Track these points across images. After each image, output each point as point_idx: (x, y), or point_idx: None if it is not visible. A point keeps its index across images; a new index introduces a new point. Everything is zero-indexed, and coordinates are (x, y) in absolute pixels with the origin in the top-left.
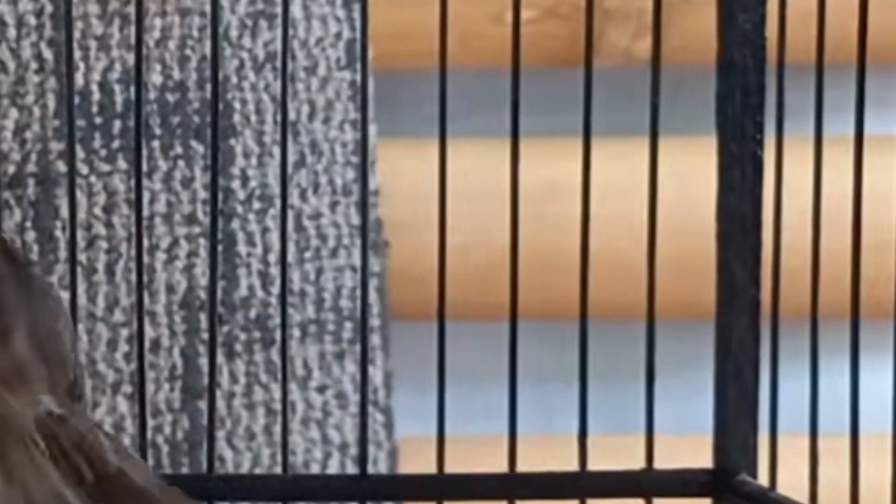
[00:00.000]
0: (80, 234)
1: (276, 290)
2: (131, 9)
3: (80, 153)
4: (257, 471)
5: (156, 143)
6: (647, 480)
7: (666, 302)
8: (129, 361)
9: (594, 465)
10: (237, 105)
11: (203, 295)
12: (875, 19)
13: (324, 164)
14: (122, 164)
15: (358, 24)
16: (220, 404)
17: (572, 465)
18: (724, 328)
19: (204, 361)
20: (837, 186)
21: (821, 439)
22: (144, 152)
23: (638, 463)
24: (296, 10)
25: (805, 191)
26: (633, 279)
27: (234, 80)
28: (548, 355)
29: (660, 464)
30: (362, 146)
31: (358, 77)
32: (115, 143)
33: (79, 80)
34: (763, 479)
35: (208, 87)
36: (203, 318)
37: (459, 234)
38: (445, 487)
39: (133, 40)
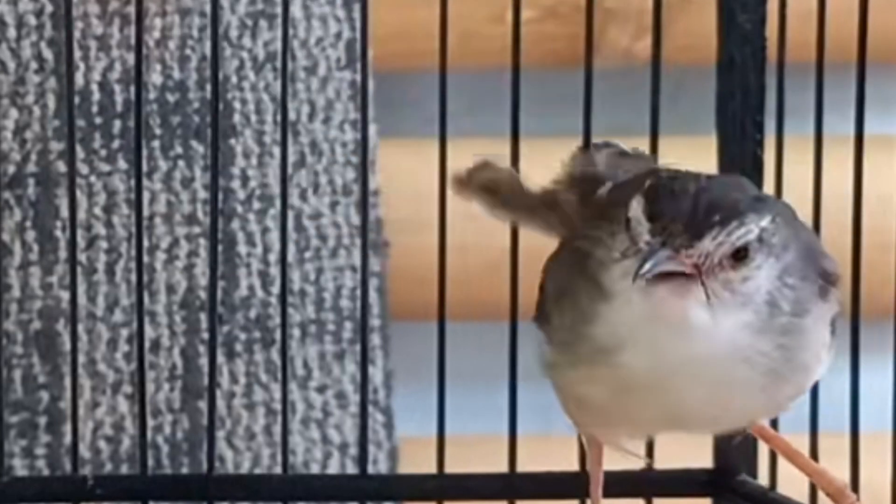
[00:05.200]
0: (80, 234)
1: (276, 290)
2: (131, 9)
3: (80, 153)
4: (257, 471)
5: (156, 143)
6: (647, 480)
7: None
8: (129, 361)
9: None
10: (237, 105)
11: (203, 295)
12: (875, 19)
13: (324, 164)
14: (122, 164)
15: (358, 24)
16: (220, 404)
17: (572, 466)
18: None
19: (204, 361)
20: (837, 186)
21: (821, 439)
22: (144, 152)
23: (638, 463)
24: (296, 10)
25: (805, 191)
26: None
27: (234, 80)
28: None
29: (660, 464)
30: (362, 146)
31: (358, 77)
32: (115, 143)
33: (79, 80)
34: (763, 479)
35: (208, 87)
36: (203, 318)
37: (459, 234)
38: (445, 487)
39: (133, 40)
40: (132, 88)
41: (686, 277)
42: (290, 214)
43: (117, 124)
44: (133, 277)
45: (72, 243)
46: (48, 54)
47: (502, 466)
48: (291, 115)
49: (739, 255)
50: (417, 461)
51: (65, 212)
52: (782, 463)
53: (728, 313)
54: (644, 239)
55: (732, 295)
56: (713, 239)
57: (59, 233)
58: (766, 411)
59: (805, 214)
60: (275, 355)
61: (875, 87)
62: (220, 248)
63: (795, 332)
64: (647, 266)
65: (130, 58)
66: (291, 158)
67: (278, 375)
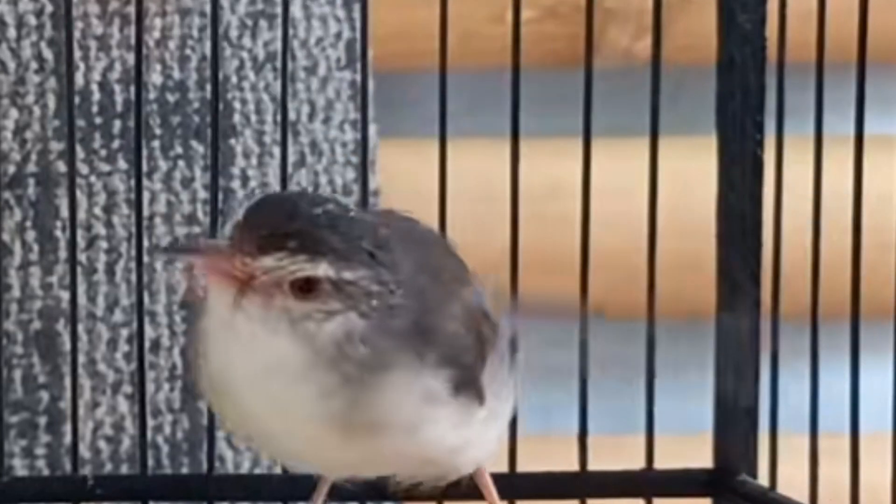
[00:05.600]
0: (80, 234)
1: None
2: (131, 9)
3: (80, 153)
4: (257, 471)
5: (156, 143)
6: (647, 480)
7: (666, 302)
8: (129, 361)
9: (594, 465)
10: (237, 105)
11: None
12: (875, 19)
13: (324, 164)
14: (122, 164)
15: (358, 24)
16: None
17: (572, 465)
18: (724, 328)
19: None
20: (837, 186)
21: (821, 439)
22: (144, 152)
23: (638, 463)
24: (296, 10)
25: (805, 191)
26: (633, 279)
27: (234, 80)
28: (547, 355)
29: (660, 464)
30: (362, 146)
31: (358, 77)
32: (115, 143)
33: (79, 80)
34: (763, 479)
35: (208, 87)
36: None
37: (459, 234)
38: (445, 487)
39: (133, 40)
40: (132, 88)
41: (239, 283)
42: None
43: (117, 124)
44: (133, 277)
45: (72, 243)
46: (48, 54)
47: (503, 466)
48: (291, 115)
49: (304, 289)
50: None
51: (65, 212)
52: (782, 463)
53: (281, 337)
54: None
55: (291, 324)
56: (277, 260)
57: (59, 233)
58: (375, 466)
59: (805, 214)
60: None
61: (875, 87)
62: None
63: (375, 386)
64: (181, 242)
65: (130, 58)
66: (291, 158)
67: None
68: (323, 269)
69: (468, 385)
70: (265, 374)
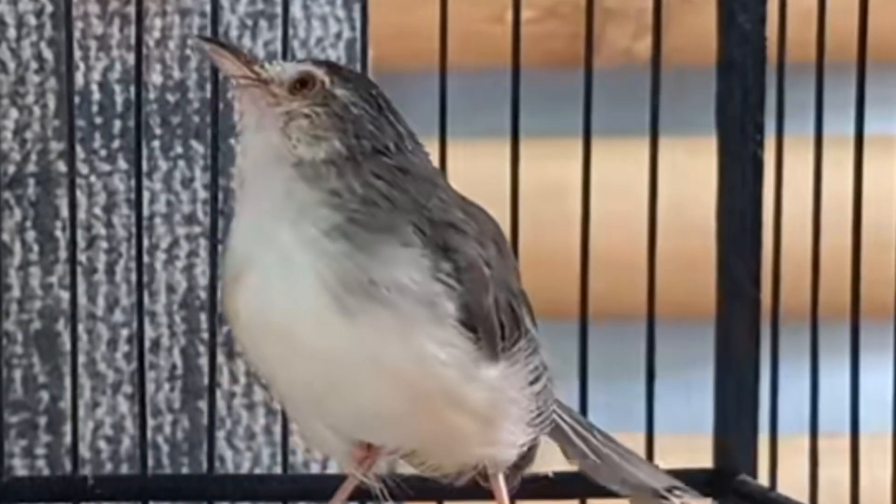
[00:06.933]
0: (80, 234)
1: None
2: (131, 9)
3: (80, 153)
4: (257, 471)
5: (156, 143)
6: None
7: (666, 302)
8: (129, 361)
9: None
10: (237, 105)
11: (203, 295)
12: (875, 19)
13: None
14: (122, 164)
15: (358, 24)
16: (220, 404)
17: (572, 465)
18: (724, 328)
19: (204, 361)
20: (837, 186)
21: (821, 439)
22: (144, 152)
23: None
24: (296, 10)
25: (805, 191)
26: (633, 279)
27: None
28: (548, 355)
29: (660, 464)
30: None
31: None
32: (115, 143)
33: (79, 80)
34: (763, 479)
35: (208, 87)
36: (203, 318)
37: None
38: (445, 487)
39: (133, 40)
40: (132, 88)
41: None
42: None
43: (117, 124)
44: (133, 277)
45: (72, 243)
46: (48, 54)
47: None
48: None
49: (300, 85)
50: None
51: (65, 212)
52: (782, 463)
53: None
54: None
55: (286, 123)
56: (282, 64)
57: (59, 233)
58: (375, 372)
59: (805, 214)
60: None
61: (875, 87)
62: (220, 248)
63: (373, 241)
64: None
65: (130, 58)
66: None
67: None
68: (322, 73)
69: (480, 331)
70: (279, 207)
